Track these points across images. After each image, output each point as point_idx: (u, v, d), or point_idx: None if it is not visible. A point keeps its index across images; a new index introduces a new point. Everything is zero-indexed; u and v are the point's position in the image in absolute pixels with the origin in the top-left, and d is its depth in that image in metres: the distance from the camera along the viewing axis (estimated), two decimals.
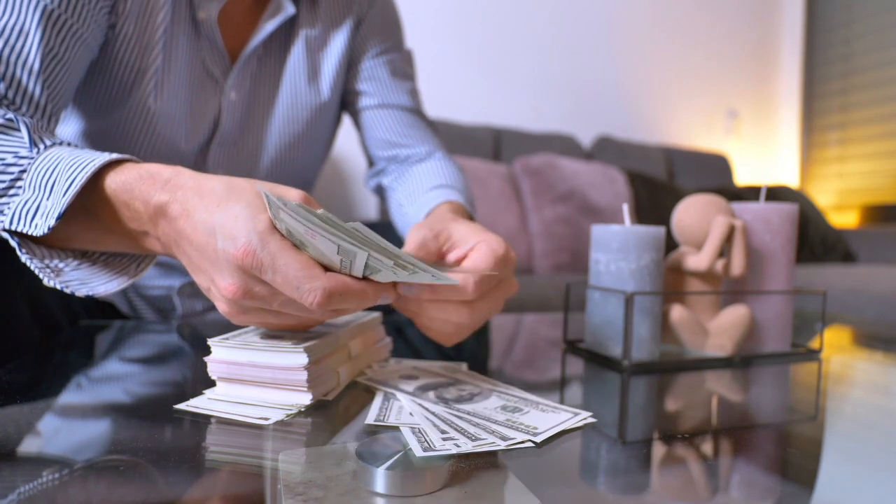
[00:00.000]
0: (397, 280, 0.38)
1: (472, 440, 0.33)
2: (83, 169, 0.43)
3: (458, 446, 0.32)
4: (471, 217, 0.69)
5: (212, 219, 0.37)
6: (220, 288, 0.37)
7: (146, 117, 0.67)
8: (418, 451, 0.31)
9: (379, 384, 0.45)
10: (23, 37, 0.54)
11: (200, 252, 0.38)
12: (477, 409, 0.40)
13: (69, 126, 0.71)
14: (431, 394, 0.43)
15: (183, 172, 0.42)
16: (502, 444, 0.33)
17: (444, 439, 0.33)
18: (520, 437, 0.34)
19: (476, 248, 0.46)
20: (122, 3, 0.63)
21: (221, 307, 0.39)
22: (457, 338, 0.47)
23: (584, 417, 0.39)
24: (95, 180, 0.44)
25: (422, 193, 0.75)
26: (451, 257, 0.48)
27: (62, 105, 0.59)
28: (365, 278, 0.38)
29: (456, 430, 0.35)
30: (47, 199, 0.44)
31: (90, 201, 0.44)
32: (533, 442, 0.34)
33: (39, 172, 0.45)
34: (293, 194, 0.40)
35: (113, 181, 0.43)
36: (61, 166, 0.44)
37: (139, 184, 0.42)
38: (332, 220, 0.35)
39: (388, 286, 0.39)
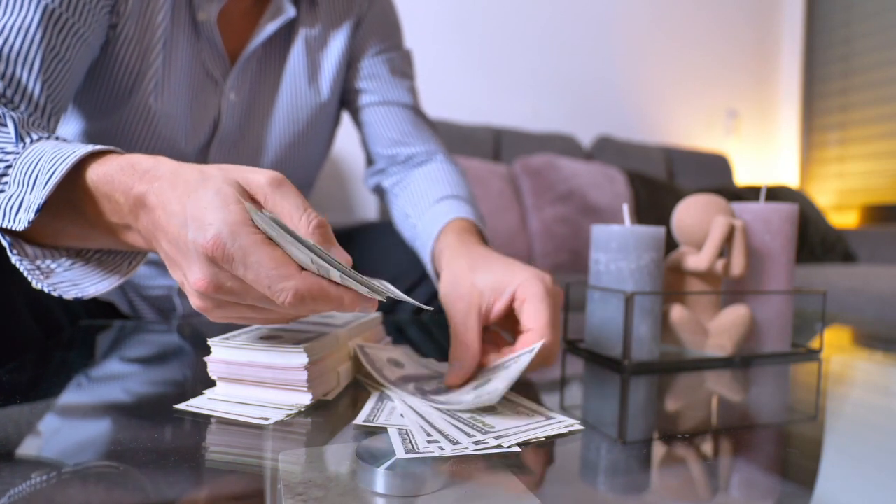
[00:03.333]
0: (378, 298, 0.36)
1: (453, 443, 0.33)
2: (64, 161, 0.42)
3: (441, 449, 0.32)
4: (482, 235, 0.68)
5: (184, 210, 0.36)
6: (191, 282, 0.36)
7: (146, 118, 0.67)
8: (400, 454, 0.31)
9: (365, 357, 0.46)
10: (23, 35, 0.54)
11: (174, 244, 0.37)
12: (451, 399, 0.40)
13: (70, 127, 0.71)
14: (412, 385, 0.43)
15: (163, 162, 0.40)
16: (472, 449, 0.33)
17: (429, 442, 0.33)
18: (477, 435, 0.35)
19: (526, 304, 0.47)
20: (123, 4, 0.62)
21: (194, 302, 0.38)
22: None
23: (564, 423, 0.38)
24: (78, 172, 0.42)
25: (429, 206, 0.74)
26: (497, 308, 0.49)
27: (63, 105, 0.59)
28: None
29: (440, 432, 0.35)
30: (30, 192, 0.43)
31: (74, 194, 0.43)
32: (502, 446, 0.33)
33: (23, 167, 0.44)
34: (261, 177, 0.38)
35: (94, 173, 0.42)
36: (44, 159, 0.43)
37: (119, 174, 0.41)
38: (306, 242, 0.34)
39: (367, 298, 0.37)
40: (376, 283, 0.37)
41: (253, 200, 0.37)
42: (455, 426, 0.36)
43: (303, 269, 0.35)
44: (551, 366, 0.49)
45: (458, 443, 0.33)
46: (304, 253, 0.34)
